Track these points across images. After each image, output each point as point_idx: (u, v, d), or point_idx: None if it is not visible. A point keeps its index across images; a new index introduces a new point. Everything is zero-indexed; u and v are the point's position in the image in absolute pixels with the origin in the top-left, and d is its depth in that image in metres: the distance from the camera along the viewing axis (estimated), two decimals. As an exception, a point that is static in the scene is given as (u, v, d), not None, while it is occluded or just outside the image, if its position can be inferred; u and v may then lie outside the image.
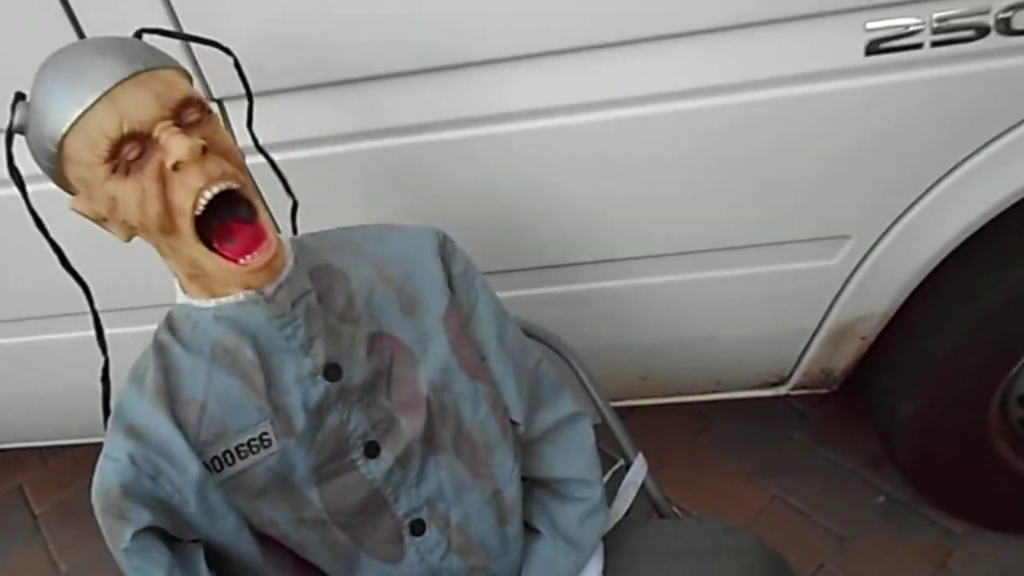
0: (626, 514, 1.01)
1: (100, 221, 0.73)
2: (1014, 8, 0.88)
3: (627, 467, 1.05)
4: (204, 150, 0.66)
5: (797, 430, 1.73)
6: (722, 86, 0.97)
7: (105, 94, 0.65)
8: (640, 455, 1.05)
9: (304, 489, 0.79)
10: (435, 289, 0.86)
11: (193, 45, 0.99)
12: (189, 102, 0.69)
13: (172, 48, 0.99)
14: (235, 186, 0.69)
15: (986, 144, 0.99)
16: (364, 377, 0.80)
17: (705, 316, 1.24)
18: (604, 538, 0.96)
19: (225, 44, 0.86)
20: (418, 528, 0.85)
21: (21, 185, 0.74)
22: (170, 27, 0.96)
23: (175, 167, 0.66)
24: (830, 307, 1.19)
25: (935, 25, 0.90)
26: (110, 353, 0.83)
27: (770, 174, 1.04)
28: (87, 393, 1.49)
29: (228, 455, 0.76)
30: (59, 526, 1.94)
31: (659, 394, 1.43)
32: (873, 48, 0.92)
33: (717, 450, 1.73)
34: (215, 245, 0.70)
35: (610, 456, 1.02)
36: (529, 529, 0.94)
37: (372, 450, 0.81)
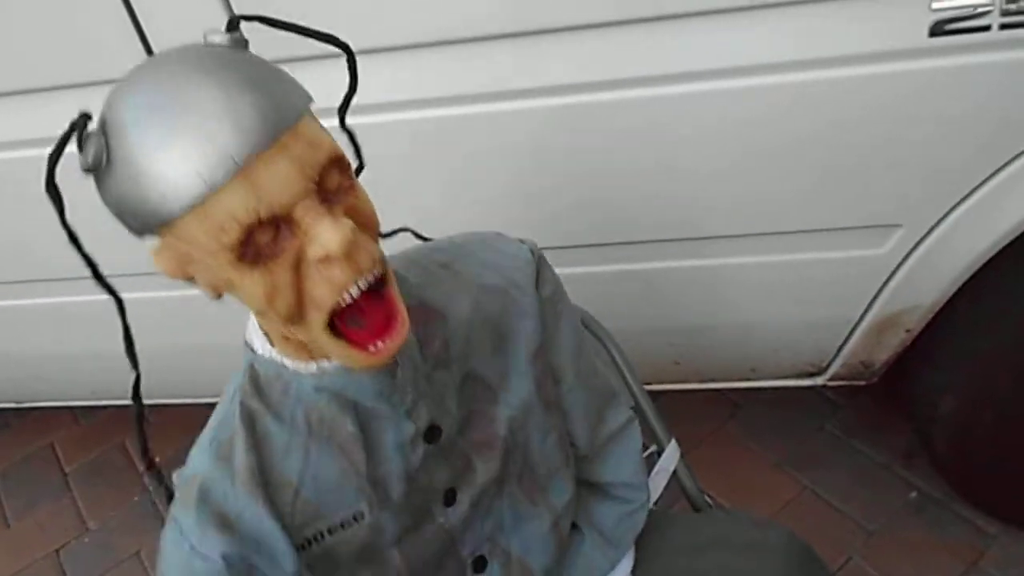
0: (656, 502, 1.00)
1: (188, 279, 0.59)
2: (1089, -9, 0.84)
3: (659, 452, 1.03)
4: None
5: (829, 421, 1.71)
6: (779, 64, 0.94)
7: (240, 170, 0.50)
8: (673, 441, 1.03)
9: (386, 551, 0.73)
10: (529, 323, 0.77)
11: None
12: (334, 163, 0.54)
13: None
14: (381, 272, 0.58)
15: (1050, 134, 0.95)
16: (454, 428, 0.73)
17: (745, 302, 1.21)
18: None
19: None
20: (479, 565, 0.80)
21: (59, 202, 0.54)
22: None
23: (323, 260, 0.54)
24: (875, 297, 1.16)
25: (1004, 7, 0.86)
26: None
27: (822, 157, 1.01)
28: (119, 354, 1.51)
29: (319, 535, 0.68)
30: (88, 484, 1.97)
31: (692, 379, 1.41)
32: (938, 29, 0.89)
33: (746, 438, 1.71)
34: (339, 327, 0.58)
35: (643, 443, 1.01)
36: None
37: (449, 498, 0.75)
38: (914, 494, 1.53)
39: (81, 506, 1.92)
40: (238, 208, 0.50)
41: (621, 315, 1.13)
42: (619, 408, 0.91)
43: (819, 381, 1.35)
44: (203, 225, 0.51)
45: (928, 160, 0.99)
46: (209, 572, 0.62)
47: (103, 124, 0.53)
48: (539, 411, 0.79)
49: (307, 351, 0.63)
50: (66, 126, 0.53)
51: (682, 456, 1.04)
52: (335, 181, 0.55)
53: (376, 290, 0.59)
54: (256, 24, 0.59)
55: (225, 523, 0.63)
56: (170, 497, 0.69)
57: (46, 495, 1.98)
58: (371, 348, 0.58)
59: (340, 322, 0.58)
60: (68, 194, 0.55)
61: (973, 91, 0.93)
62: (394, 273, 0.65)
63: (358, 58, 0.65)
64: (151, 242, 0.57)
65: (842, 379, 1.34)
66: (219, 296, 0.59)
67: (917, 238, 1.07)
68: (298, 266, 0.54)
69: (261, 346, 0.66)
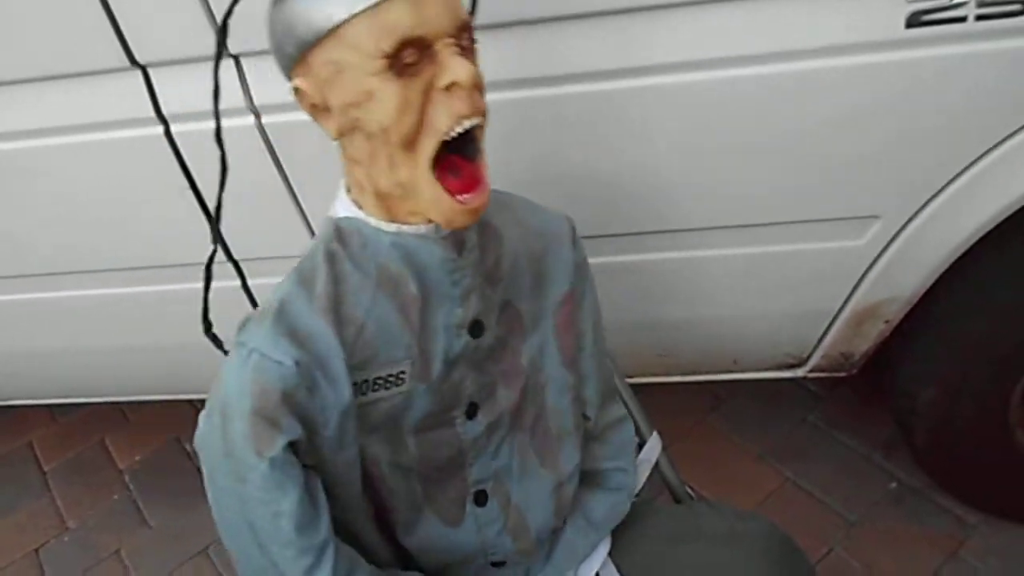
0: (638, 493, 1.00)
1: (318, 110, 0.69)
2: (1065, -19, 0.84)
3: (641, 445, 1.03)
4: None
5: (811, 413, 1.72)
6: (754, 56, 0.94)
7: None
8: (655, 433, 1.03)
9: (406, 434, 0.78)
10: (563, 273, 0.86)
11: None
12: (467, 27, 0.66)
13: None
14: (483, 122, 0.68)
15: (1025, 126, 0.95)
16: (492, 341, 0.80)
17: (725, 294, 1.22)
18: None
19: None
20: (481, 499, 0.85)
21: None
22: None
23: (448, 87, 0.63)
24: (854, 288, 1.16)
25: (980, -2, 0.86)
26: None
27: (799, 149, 1.01)
28: (99, 352, 1.49)
29: (367, 384, 0.73)
30: (67, 483, 1.96)
31: (675, 372, 1.41)
32: (914, 20, 0.89)
33: (729, 430, 1.72)
34: (437, 175, 0.67)
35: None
36: None
37: (472, 411, 0.81)
38: (895, 485, 1.54)
39: (60, 505, 1.90)
40: (403, 21, 0.61)
41: (606, 307, 1.12)
42: (618, 404, 0.99)
43: (800, 373, 1.35)
44: (371, 28, 0.62)
45: (905, 151, 0.99)
46: (282, 374, 0.67)
47: None
48: (556, 361, 0.87)
49: (391, 213, 0.71)
50: None
51: (664, 448, 1.04)
52: (466, 41, 0.66)
53: (472, 158, 0.69)
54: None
55: (299, 337, 0.68)
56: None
57: (25, 495, 1.95)
58: (459, 198, 0.67)
59: (440, 173, 0.67)
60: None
61: (950, 82, 0.93)
62: None
63: None
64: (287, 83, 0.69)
65: (823, 371, 1.34)
66: (339, 136, 0.69)
67: (895, 229, 1.08)
68: (427, 92, 0.64)
69: (348, 211, 0.74)
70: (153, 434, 2.01)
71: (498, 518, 0.86)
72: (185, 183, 1.14)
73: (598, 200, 1.11)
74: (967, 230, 1.05)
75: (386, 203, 0.71)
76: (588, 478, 0.95)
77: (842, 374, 1.35)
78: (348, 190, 0.74)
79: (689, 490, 1.05)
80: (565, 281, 0.87)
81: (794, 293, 1.19)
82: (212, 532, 1.70)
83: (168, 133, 1.09)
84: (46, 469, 2.01)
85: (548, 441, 0.87)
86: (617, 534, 0.95)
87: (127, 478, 1.92)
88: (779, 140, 1.00)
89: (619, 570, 0.93)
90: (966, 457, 1.34)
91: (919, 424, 1.32)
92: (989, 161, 0.98)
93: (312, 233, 1.20)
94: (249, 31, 1.00)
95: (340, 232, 0.74)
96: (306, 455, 0.70)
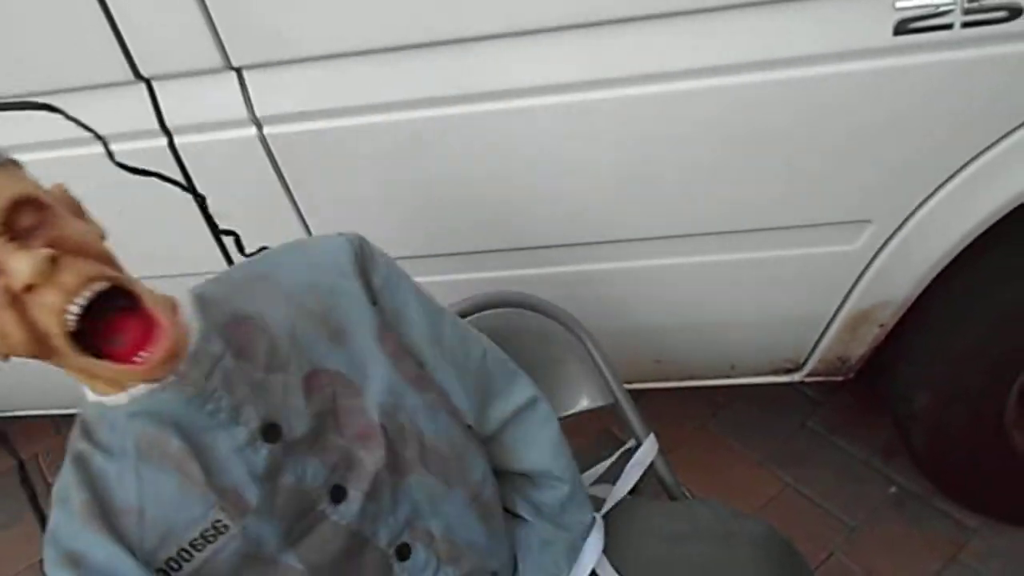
0: (635, 492, 1.01)
1: None
2: (1049, -12, 0.86)
3: (637, 447, 1.04)
4: (53, 260, 0.57)
5: (810, 418, 1.72)
6: (745, 64, 0.95)
7: None
8: (651, 436, 1.04)
9: (279, 557, 0.73)
10: (359, 310, 0.78)
11: (211, 6, 0.98)
12: (23, 202, 0.58)
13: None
14: (104, 286, 0.60)
15: (1014, 130, 0.96)
16: (308, 424, 0.74)
17: (722, 299, 1.23)
18: (607, 517, 0.96)
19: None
20: (404, 552, 0.80)
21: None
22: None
23: (26, 289, 0.56)
24: (849, 293, 1.18)
25: (966, 6, 0.88)
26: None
27: (792, 155, 1.02)
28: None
29: (183, 553, 0.69)
30: (72, 495, 1.96)
31: (673, 378, 1.42)
32: (902, 28, 0.90)
33: (729, 436, 1.72)
34: (102, 349, 0.60)
35: (618, 438, 1.01)
36: (516, 516, 0.94)
37: (338, 494, 0.75)
38: (894, 489, 1.55)
39: (65, 517, 1.91)
40: None
41: (601, 314, 1.14)
42: (520, 385, 0.91)
43: (797, 377, 1.36)
44: None
45: (896, 156, 1.01)
46: None
47: None
48: (411, 392, 0.80)
49: (116, 385, 0.65)
50: None
51: (660, 450, 1.05)
52: (28, 220, 0.58)
53: (131, 308, 0.62)
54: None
55: (71, 560, 0.65)
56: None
57: (28, 506, 1.96)
58: (136, 359, 0.61)
59: (103, 345, 0.61)
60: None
61: (938, 88, 0.94)
62: (201, 297, 0.72)
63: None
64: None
65: (820, 375, 1.35)
66: (5, 358, 0.62)
67: (888, 234, 1.09)
68: (15, 300, 0.57)
69: (88, 393, 0.69)
70: None
71: (429, 560, 0.82)
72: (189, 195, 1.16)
73: (592, 207, 1.12)
74: (958, 234, 1.06)
75: (105, 382, 0.66)
76: (523, 478, 0.93)
77: (839, 378, 1.36)
78: None
79: (687, 492, 1.06)
80: (368, 317, 0.78)
81: (789, 298, 1.21)
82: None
83: (172, 145, 1.11)
84: (51, 482, 2.01)
85: (445, 463, 0.82)
86: (614, 532, 0.95)
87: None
88: (771, 147, 1.02)
89: (617, 570, 0.93)
90: (963, 460, 1.35)
91: (916, 428, 1.33)
92: (978, 165, 1.00)
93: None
94: (251, 43, 1.03)
95: (85, 427, 0.70)
96: None
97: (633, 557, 0.93)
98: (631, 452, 1.05)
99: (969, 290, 1.17)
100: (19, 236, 0.57)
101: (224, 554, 0.70)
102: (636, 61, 0.97)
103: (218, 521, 0.69)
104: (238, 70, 1.06)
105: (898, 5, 0.89)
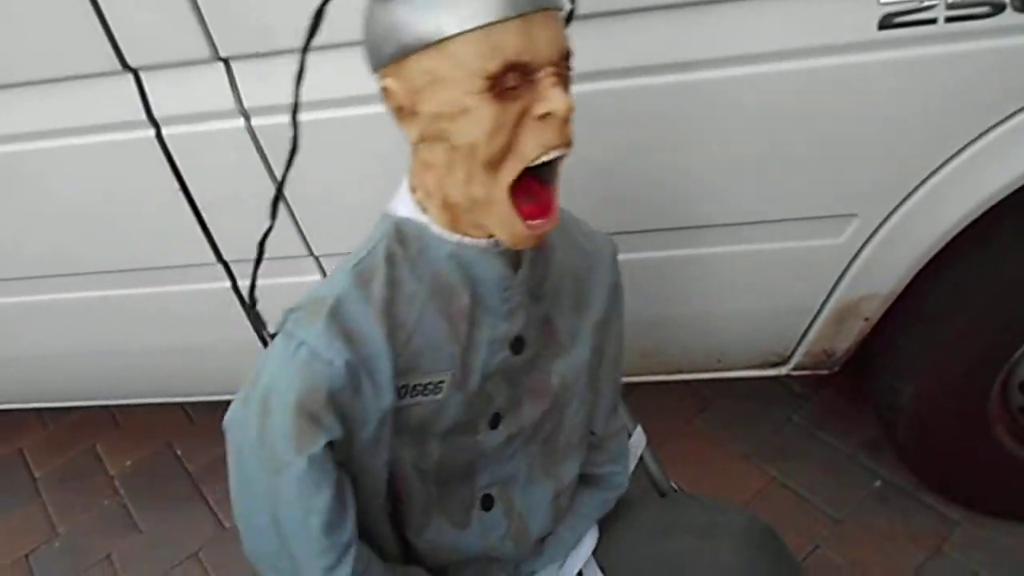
0: (623, 486, 1.02)
1: (401, 111, 0.68)
2: (1031, -16, 0.87)
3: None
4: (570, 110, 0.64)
5: (796, 413, 1.74)
6: (728, 58, 0.96)
7: (522, 16, 0.61)
8: (639, 427, 1.05)
9: (432, 439, 0.78)
10: (601, 295, 0.87)
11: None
12: (568, 56, 0.66)
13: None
14: (567, 153, 0.67)
15: (997, 124, 0.98)
16: (529, 356, 0.80)
17: (707, 293, 1.24)
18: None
19: None
20: (487, 503, 0.86)
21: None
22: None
23: (542, 116, 0.63)
24: (834, 286, 1.19)
25: (949, 1, 0.89)
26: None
27: (777, 149, 1.03)
28: (91, 355, 1.50)
29: (406, 389, 0.73)
30: (57, 489, 1.95)
31: (660, 371, 1.43)
32: (887, 22, 0.91)
33: (716, 431, 1.73)
34: (512, 196, 0.67)
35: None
36: None
37: (495, 422, 0.81)
38: (878, 483, 1.56)
39: (51, 511, 1.90)
40: (513, 45, 0.61)
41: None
42: (619, 415, 1.00)
43: (783, 371, 1.37)
44: (478, 47, 0.61)
45: (880, 151, 1.02)
46: (331, 374, 0.67)
47: None
48: (584, 382, 0.87)
49: (455, 224, 0.71)
50: None
51: (648, 443, 1.05)
52: (566, 70, 0.66)
53: (548, 183, 0.69)
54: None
55: (352, 338, 0.68)
56: (271, 337, 0.73)
57: (15, 500, 1.95)
58: (530, 222, 0.68)
59: (517, 195, 0.67)
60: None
61: (922, 82, 0.95)
62: None
63: None
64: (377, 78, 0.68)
65: (806, 369, 1.36)
66: (420, 141, 0.68)
67: (873, 227, 1.10)
68: (521, 117, 0.64)
69: (410, 211, 0.73)
70: (144, 439, 2.01)
71: (501, 523, 0.87)
72: (176, 185, 1.16)
73: (579, 198, 1.12)
74: (942, 228, 1.07)
75: (451, 212, 0.70)
76: (583, 480, 0.96)
77: (825, 372, 1.37)
78: (413, 190, 0.73)
79: (674, 486, 1.07)
80: (603, 303, 0.87)
81: (775, 291, 1.21)
82: (202, 536, 1.73)
83: (160, 136, 1.11)
84: (37, 475, 2.00)
85: (555, 452, 0.88)
86: (601, 529, 0.96)
87: (118, 483, 1.91)
88: (756, 140, 1.03)
89: (602, 570, 0.94)
90: (947, 453, 1.36)
91: (900, 421, 1.34)
92: (962, 159, 1.01)
93: (302, 235, 1.22)
94: (239, 34, 1.02)
95: (401, 233, 0.73)
96: (339, 453, 0.71)
97: (619, 553, 0.94)
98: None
99: (953, 283, 1.18)
100: (561, 78, 0.65)
101: (419, 409, 0.75)
102: (620, 55, 0.98)
103: (442, 381, 0.75)
104: (226, 60, 1.05)
105: (883, 0, 0.90)
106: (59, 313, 1.41)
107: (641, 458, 1.05)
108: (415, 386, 0.73)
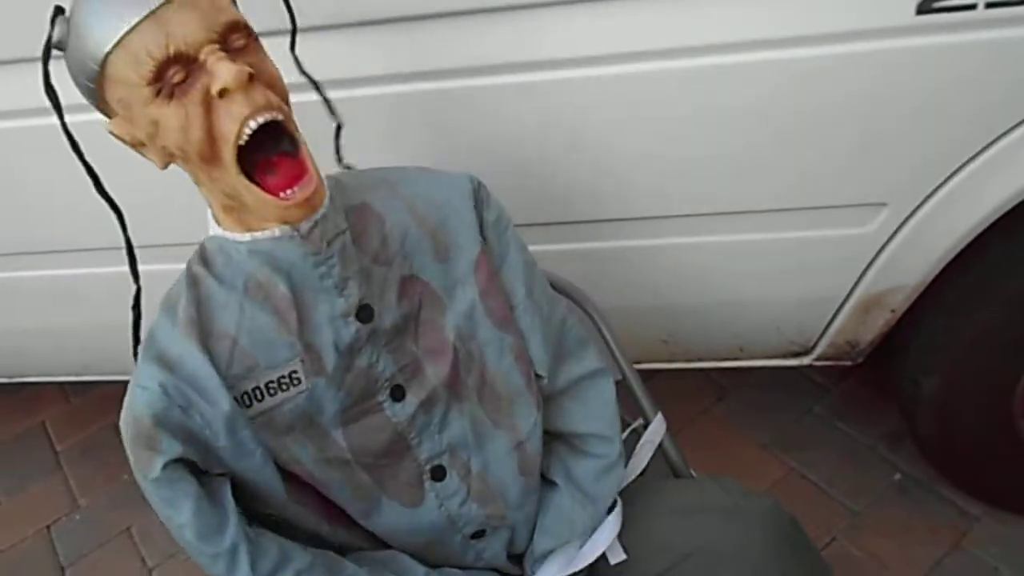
0: (642, 473, 1.01)
1: (138, 146, 0.71)
2: (1075, -31, 0.85)
3: (645, 426, 1.04)
4: (251, 78, 0.65)
5: (816, 403, 1.72)
6: (765, 41, 0.95)
7: (152, 13, 0.63)
8: (659, 415, 1.04)
9: (330, 429, 0.79)
10: (468, 235, 0.85)
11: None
12: (236, 26, 0.67)
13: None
14: (280, 117, 0.67)
15: (1033, 114, 0.96)
16: (394, 320, 0.80)
17: (732, 280, 1.22)
18: (620, 495, 0.96)
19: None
20: (439, 474, 0.85)
21: (57, 105, 0.73)
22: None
23: (220, 94, 0.64)
24: (861, 276, 1.17)
25: (991, -15, 0.87)
26: (143, 290, 0.81)
27: (808, 136, 1.02)
28: (113, 329, 1.50)
29: (258, 391, 0.75)
30: (79, 463, 1.97)
31: (680, 359, 1.42)
32: (925, 7, 0.89)
33: (735, 419, 1.72)
34: (256, 177, 0.68)
35: (623, 420, 1.01)
36: (545, 481, 0.95)
37: (398, 393, 0.82)
38: (898, 475, 1.55)
39: (72, 484, 1.92)
40: (151, 44, 0.63)
41: (611, 292, 1.14)
42: (588, 354, 0.95)
43: (806, 361, 1.36)
44: (126, 60, 0.64)
45: (914, 139, 1.00)
46: (148, 400, 0.71)
47: (69, 11, 0.68)
48: (488, 324, 0.86)
49: (245, 223, 0.73)
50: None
51: (667, 429, 1.05)
52: (239, 42, 0.67)
53: (291, 153, 0.69)
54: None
55: (165, 361, 0.72)
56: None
57: (37, 473, 1.97)
58: (281, 195, 0.68)
59: (258, 175, 0.68)
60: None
61: (959, 69, 0.94)
62: (335, 180, 0.81)
63: None
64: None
65: (829, 359, 1.35)
66: (164, 166, 0.71)
67: (902, 217, 1.08)
68: (208, 103, 0.65)
69: (214, 229, 0.76)
70: (105, 413, 2.03)
71: (459, 490, 0.86)
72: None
73: (605, 184, 1.12)
74: (974, 219, 1.05)
75: (235, 215, 0.73)
76: (568, 441, 0.95)
77: (847, 363, 1.36)
78: (210, 208, 0.76)
79: (693, 474, 1.06)
80: (473, 243, 0.85)
81: (800, 280, 1.20)
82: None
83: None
84: (59, 448, 2.03)
85: (498, 403, 0.87)
86: (623, 510, 0.95)
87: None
88: (788, 127, 1.01)
89: (625, 549, 0.93)
90: (969, 447, 1.35)
91: (923, 413, 1.33)
92: (996, 150, 0.99)
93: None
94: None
95: (203, 253, 0.77)
96: (213, 466, 0.75)
97: (642, 532, 0.93)
98: (637, 432, 1.05)
99: (982, 275, 1.16)
100: (228, 52, 0.66)
101: (289, 406, 0.77)
102: (651, 37, 0.97)
103: (295, 372, 0.76)
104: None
105: (922, -16, 0.88)
106: (65, 288, 1.41)
107: (660, 444, 1.05)
108: (267, 384, 0.76)
